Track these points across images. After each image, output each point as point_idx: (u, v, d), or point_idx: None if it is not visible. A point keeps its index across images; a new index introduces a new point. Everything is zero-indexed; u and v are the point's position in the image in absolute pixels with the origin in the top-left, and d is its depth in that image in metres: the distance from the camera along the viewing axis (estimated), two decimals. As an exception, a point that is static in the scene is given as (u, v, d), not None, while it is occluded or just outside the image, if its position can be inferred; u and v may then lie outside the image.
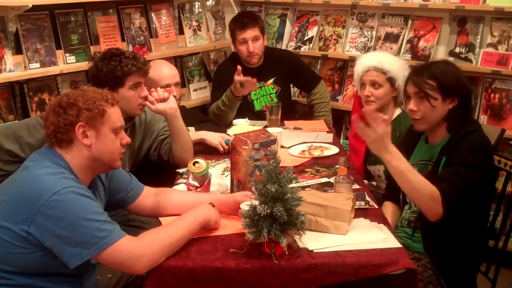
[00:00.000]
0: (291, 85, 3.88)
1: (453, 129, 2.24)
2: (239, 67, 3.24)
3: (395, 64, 2.79)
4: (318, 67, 4.17)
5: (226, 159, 2.67)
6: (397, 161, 2.04)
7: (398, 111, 2.86)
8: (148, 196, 2.15)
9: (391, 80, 2.78)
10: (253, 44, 3.49)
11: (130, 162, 2.69)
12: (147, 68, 2.54)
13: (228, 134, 2.94)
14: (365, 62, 2.84)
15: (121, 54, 2.47)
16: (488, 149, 2.21)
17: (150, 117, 2.73)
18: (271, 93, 3.66)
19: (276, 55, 3.73)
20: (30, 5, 2.96)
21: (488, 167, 2.18)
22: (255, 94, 3.63)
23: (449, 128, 2.25)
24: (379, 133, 2.00)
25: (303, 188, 2.28)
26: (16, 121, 2.97)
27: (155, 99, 2.59)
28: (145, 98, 2.55)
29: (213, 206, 2.03)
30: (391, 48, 3.78)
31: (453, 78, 2.22)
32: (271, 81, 3.64)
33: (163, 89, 2.64)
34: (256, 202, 1.79)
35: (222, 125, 3.26)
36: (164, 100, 2.61)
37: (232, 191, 2.26)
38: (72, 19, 3.34)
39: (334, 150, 2.83)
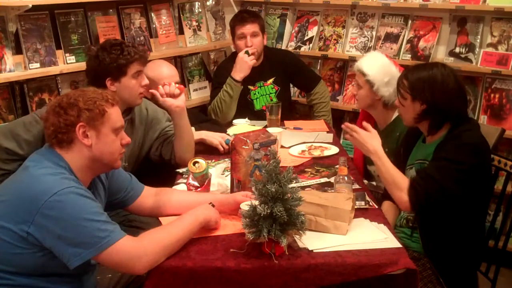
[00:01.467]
0: (291, 85, 3.88)
1: (432, 130, 2.29)
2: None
3: (375, 68, 2.77)
4: (318, 67, 4.17)
5: (226, 159, 2.67)
6: (376, 158, 2.28)
7: (397, 113, 2.85)
8: (148, 196, 2.15)
9: (369, 83, 2.78)
10: (251, 39, 3.48)
11: (131, 160, 2.67)
12: (147, 56, 2.58)
13: (228, 134, 2.94)
14: (357, 62, 2.87)
15: (121, 43, 2.50)
16: (478, 146, 2.20)
17: (152, 116, 2.73)
18: (270, 93, 3.66)
19: (276, 55, 3.73)
20: (30, 5, 2.96)
21: (478, 163, 2.17)
22: (254, 94, 3.63)
23: (429, 128, 2.30)
24: (357, 139, 2.33)
25: (303, 188, 2.28)
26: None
27: (165, 92, 2.59)
28: (147, 87, 2.56)
29: (213, 206, 2.03)
30: (391, 48, 3.78)
31: (426, 84, 2.25)
32: (270, 80, 3.64)
33: (176, 85, 2.63)
34: (256, 202, 1.79)
35: (222, 125, 3.26)
36: (173, 95, 2.61)
37: (232, 191, 2.27)
38: (72, 19, 3.33)
39: (334, 150, 2.83)
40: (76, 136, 1.81)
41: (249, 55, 3.36)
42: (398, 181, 2.20)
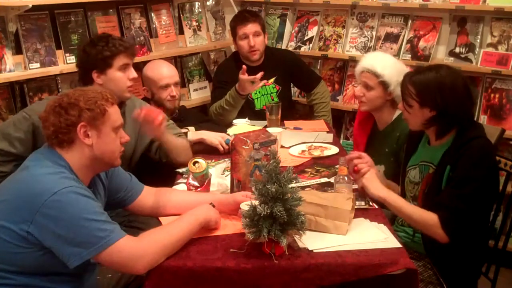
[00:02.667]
0: (291, 85, 3.88)
1: (439, 135, 2.24)
2: (244, 66, 3.25)
3: (389, 68, 2.73)
4: (318, 67, 4.17)
5: (226, 159, 2.67)
6: (392, 198, 2.18)
7: (398, 112, 2.85)
8: (148, 196, 2.15)
9: (383, 84, 2.73)
10: (254, 39, 3.49)
11: (123, 160, 2.64)
12: (134, 49, 2.59)
13: (228, 134, 2.94)
14: (362, 63, 2.82)
15: (108, 36, 2.51)
16: (491, 156, 2.19)
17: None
18: (271, 93, 3.66)
19: (277, 54, 3.73)
20: (30, 5, 2.96)
21: (492, 173, 2.17)
22: (255, 93, 3.62)
23: (437, 133, 2.25)
24: (367, 178, 2.21)
25: (303, 188, 2.28)
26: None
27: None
28: (134, 80, 2.57)
29: (213, 206, 2.03)
30: (391, 48, 3.78)
31: (434, 90, 2.17)
32: (272, 80, 3.64)
33: (160, 117, 2.46)
34: (256, 202, 1.79)
35: (222, 125, 3.25)
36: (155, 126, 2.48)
37: (232, 191, 2.26)
38: (72, 19, 3.34)
39: (334, 150, 2.83)
40: (77, 136, 1.81)
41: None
42: (430, 221, 2.11)
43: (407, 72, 2.41)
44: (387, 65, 2.74)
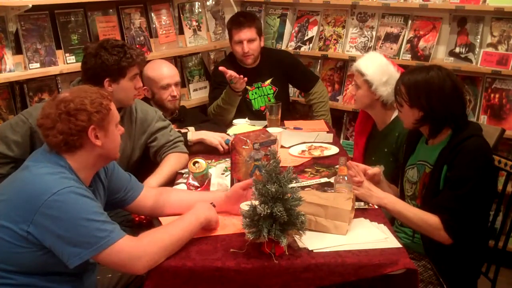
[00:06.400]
0: (290, 85, 3.88)
1: (432, 134, 2.27)
2: (221, 68, 3.25)
3: (373, 68, 2.76)
4: (318, 67, 4.17)
5: (226, 159, 2.67)
6: (392, 203, 2.21)
7: (396, 112, 2.85)
8: (148, 196, 2.15)
9: (367, 83, 2.76)
10: (248, 45, 3.49)
11: (124, 160, 2.65)
12: (146, 58, 2.63)
13: (228, 134, 2.94)
14: (355, 62, 2.86)
15: (123, 44, 2.50)
16: (485, 154, 2.19)
17: (141, 117, 2.70)
18: (268, 94, 3.66)
19: (273, 55, 3.73)
20: (30, 5, 2.96)
21: (488, 171, 2.18)
22: (252, 94, 3.62)
23: (429, 132, 2.28)
24: (365, 187, 2.22)
25: (303, 188, 2.28)
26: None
27: None
28: (141, 90, 2.63)
29: (214, 206, 2.03)
30: (391, 48, 3.78)
31: (422, 91, 2.20)
32: (268, 81, 3.64)
33: None
34: (256, 202, 1.79)
35: (222, 125, 3.26)
36: None
37: (232, 191, 2.26)
38: (72, 19, 3.34)
39: (334, 150, 2.83)
40: (87, 139, 1.81)
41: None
42: (433, 223, 2.14)
43: (402, 73, 2.42)
44: (372, 65, 2.77)
